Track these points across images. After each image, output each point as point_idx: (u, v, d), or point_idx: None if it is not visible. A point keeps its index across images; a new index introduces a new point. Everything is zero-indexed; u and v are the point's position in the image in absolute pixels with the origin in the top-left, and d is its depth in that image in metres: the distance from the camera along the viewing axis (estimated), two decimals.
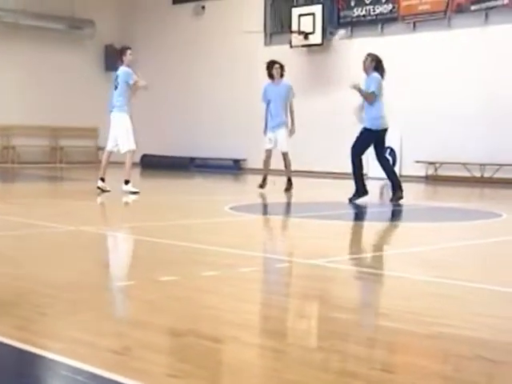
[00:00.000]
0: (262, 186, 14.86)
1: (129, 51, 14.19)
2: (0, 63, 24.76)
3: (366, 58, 12.93)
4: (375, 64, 12.82)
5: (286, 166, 15.02)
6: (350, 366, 3.55)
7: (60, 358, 3.45)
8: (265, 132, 15.17)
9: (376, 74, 12.71)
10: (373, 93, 12.49)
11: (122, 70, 13.98)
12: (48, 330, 4.08)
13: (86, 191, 16.40)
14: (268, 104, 15.15)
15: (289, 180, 14.76)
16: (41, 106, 25.44)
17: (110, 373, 3.22)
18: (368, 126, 12.51)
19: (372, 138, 12.53)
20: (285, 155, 15.04)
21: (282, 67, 15.28)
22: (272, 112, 15.01)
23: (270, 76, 15.16)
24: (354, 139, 12.66)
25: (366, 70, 12.90)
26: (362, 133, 12.62)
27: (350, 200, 12.42)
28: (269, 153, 15.19)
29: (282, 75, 15.24)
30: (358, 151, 12.62)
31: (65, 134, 26.26)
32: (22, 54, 25.20)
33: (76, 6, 26.02)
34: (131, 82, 13.88)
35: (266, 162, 15.16)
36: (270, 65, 15.18)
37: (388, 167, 12.94)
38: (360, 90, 12.67)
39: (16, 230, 8.37)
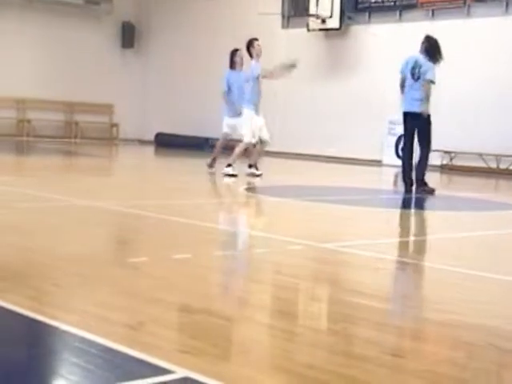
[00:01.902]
0: (211, 165, 14.29)
1: (256, 42, 13.92)
2: (16, 37, 24.79)
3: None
4: (425, 47, 12.51)
5: (251, 153, 14.40)
6: (360, 349, 3.55)
7: (73, 329, 3.46)
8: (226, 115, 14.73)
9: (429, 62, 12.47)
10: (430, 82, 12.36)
11: (252, 65, 13.77)
12: (61, 302, 4.09)
13: (101, 167, 16.47)
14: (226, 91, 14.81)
15: (252, 166, 14.24)
16: (56, 81, 25.47)
17: (122, 346, 3.24)
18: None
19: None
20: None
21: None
22: (234, 99, 14.71)
23: (233, 63, 14.77)
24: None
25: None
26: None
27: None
28: (227, 136, 14.70)
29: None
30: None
31: (80, 110, 26.30)
32: (38, 28, 25.21)
33: None
34: (259, 77, 13.63)
35: (222, 144, 14.65)
36: (234, 52, 14.85)
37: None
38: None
39: (30, 203, 8.39)
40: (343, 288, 5.01)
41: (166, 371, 2.99)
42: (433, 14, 20.10)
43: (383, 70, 19.81)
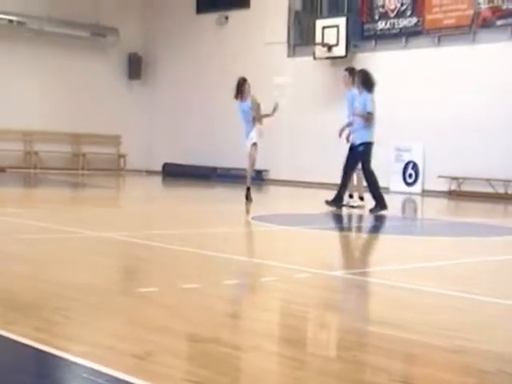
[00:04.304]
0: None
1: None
2: (24, 69, 24.93)
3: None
4: (362, 79, 12.84)
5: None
6: (370, 377, 3.53)
7: (81, 360, 3.45)
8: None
9: (366, 93, 12.73)
10: (370, 113, 12.61)
11: (351, 92, 13.98)
12: (69, 333, 4.08)
13: (108, 198, 16.48)
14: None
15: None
16: (64, 113, 25.57)
17: (130, 376, 3.22)
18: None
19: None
20: None
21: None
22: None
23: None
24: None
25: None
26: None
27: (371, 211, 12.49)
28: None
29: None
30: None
31: (87, 141, 26.37)
32: (46, 61, 25.35)
33: (100, 14, 26.15)
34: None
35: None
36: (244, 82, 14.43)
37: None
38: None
39: (39, 235, 8.40)
40: (352, 315, 4.98)
41: None
42: (439, 40, 20.16)
43: (389, 98, 19.84)
